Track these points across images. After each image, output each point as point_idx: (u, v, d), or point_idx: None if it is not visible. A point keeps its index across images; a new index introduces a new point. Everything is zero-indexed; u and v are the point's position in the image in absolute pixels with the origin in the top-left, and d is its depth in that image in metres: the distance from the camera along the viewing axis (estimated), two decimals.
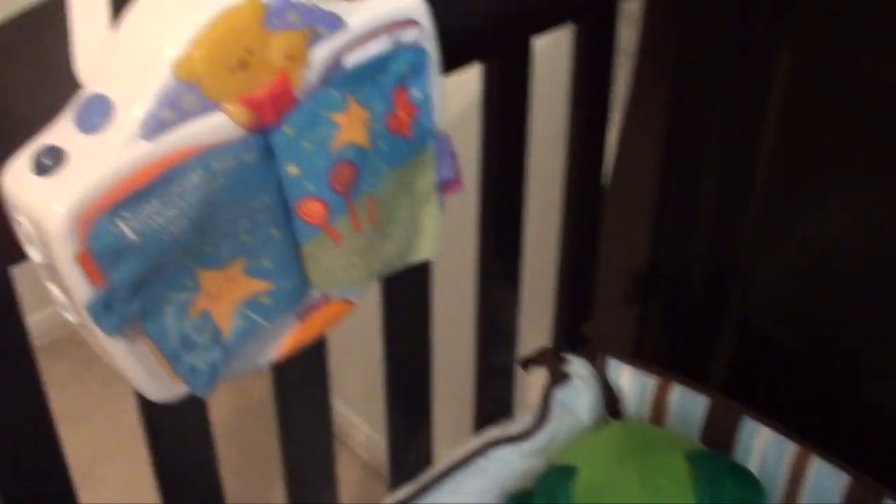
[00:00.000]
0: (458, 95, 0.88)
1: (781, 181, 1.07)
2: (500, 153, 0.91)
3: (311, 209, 0.66)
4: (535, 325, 1.18)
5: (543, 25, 0.87)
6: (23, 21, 0.62)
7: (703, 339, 1.18)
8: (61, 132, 0.57)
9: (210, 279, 0.64)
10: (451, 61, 0.77)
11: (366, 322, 0.95)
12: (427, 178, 0.72)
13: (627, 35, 1.04)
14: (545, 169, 1.05)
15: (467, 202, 0.90)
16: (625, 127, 1.11)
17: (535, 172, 0.97)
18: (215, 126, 0.59)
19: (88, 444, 2.07)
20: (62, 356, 1.49)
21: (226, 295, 0.65)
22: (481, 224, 0.95)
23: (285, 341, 0.73)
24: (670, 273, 1.15)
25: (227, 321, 0.66)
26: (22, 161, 0.57)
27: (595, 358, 1.10)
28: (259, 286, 0.67)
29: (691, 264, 1.15)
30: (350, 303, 0.75)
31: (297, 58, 0.61)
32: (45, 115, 0.59)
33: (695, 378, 1.06)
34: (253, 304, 0.67)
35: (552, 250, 1.07)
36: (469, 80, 0.87)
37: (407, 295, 0.90)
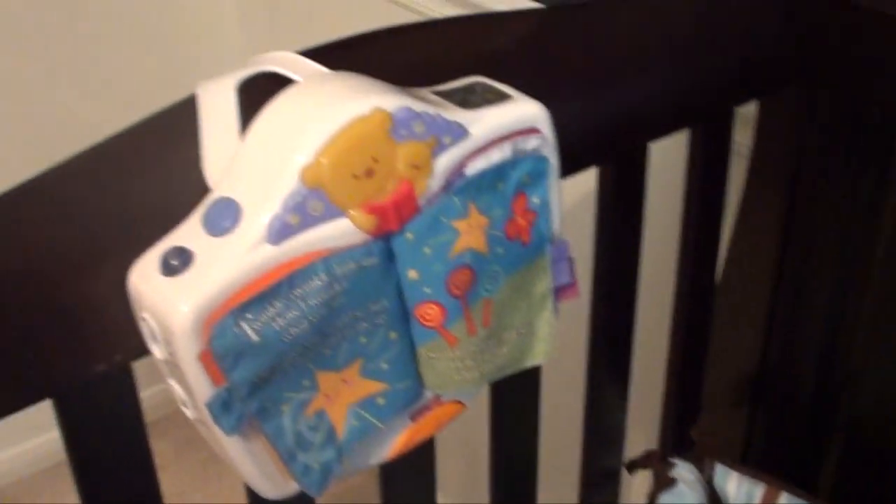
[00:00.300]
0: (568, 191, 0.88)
1: (894, 283, 1.05)
2: (613, 254, 0.91)
3: (428, 313, 0.66)
4: (641, 427, 1.16)
5: (661, 131, 0.87)
6: (154, 124, 0.64)
7: (811, 443, 1.15)
8: (189, 233, 0.59)
9: (327, 380, 0.64)
10: (569, 166, 0.78)
11: (469, 417, 0.95)
12: (543, 283, 0.72)
13: (742, 136, 1.03)
14: (656, 269, 1.05)
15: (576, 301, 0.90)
16: (737, 229, 1.10)
17: (646, 273, 0.97)
18: (339, 231, 0.60)
19: None
20: (164, 435, 1.50)
21: (342, 396, 0.66)
22: (592, 324, 0.95)
23: (397, 441, 0.73)
24: (780, 376, 1.13)
25: (342, 421, 0.67)
26: (150, 260, 0.58)
27: (702, 462, 1.08)
28: (375, 387, 0.67)
29: (801, 367, 1.13)
30: (461, 404, 0.75)
31: (422, 167, 0.62)
32: (173, 216, 0.60)
33: (802, 483, 1.03)
34: (368, 404, 0.67)
35: (661, 351, 1.06)
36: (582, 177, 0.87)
37: (516, 396, 0.90)
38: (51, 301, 0.60)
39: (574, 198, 1.11)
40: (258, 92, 0.64)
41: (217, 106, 0.65)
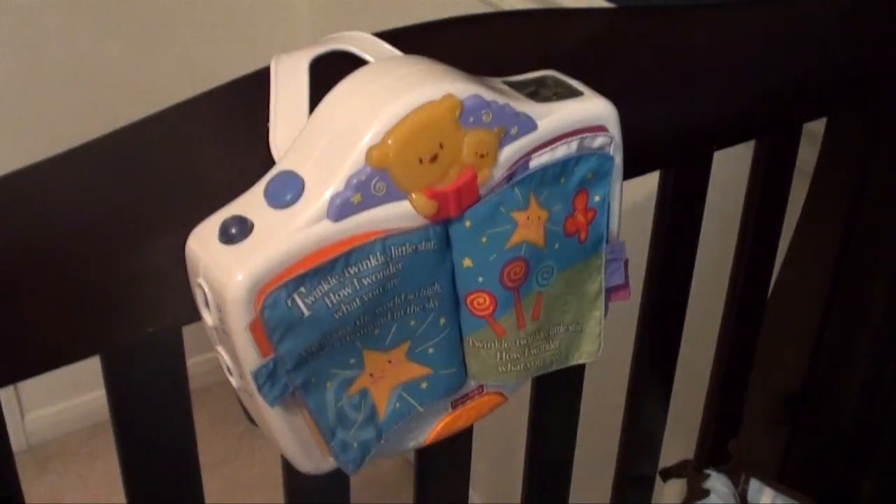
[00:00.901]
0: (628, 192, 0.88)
1: None
2: (667, 260, 0.90)
3: (479, 302, 0.66)
4: (679, 436, 1.15)
5: (727, 140, 0.87)
6: (226, 93, 0.64)
7: (849, 468, 1.14)
8: (250, 204, 0.59)
9: (374, 360, 0.65)
10: (633, 167, 0.77)
11: (507, 414, 0.95)
12: (596, 283, 0.72)
13: (807, 153, 1.02)
14: (709, 279, 1.04)
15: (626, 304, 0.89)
16: (793, 246, 1.09)
17: (698, 281, 0.96)
18: (399, 213, 0.60)
19: (223, 492, 2.10)
20: (202, 406, 1.53)
21: (387, 376, 0.66)
22: (640, 329, 0.94)
23: (436, 427, 0.73)
24: (823, 398, 1.12)
25: (384, 402, 0.67)
26: (209, 227, 0.59)
27: (737, 476, 1.07)
28: (420, 371, 0.67)
29: (846, 391, 1.12)
30: (503, 395, 0.75)
31: (487, 156, 0.62)
32: (237, 185, 0.61)
33: None
34: (411, 387, 0.68)
35: (706, 362, 1.05)
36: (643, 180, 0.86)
37: (558, 394, 0.89)
38: (110, 259, 0.61)
39: (634, 199, 1.11)
40: (331, 69, 0.64)
41: (289, 80, 0.65)
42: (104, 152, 0.61)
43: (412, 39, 0.72)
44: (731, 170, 0.98)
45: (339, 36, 0.69)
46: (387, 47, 0.67)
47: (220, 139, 0.65)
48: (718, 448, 1.09)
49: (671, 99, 0.83)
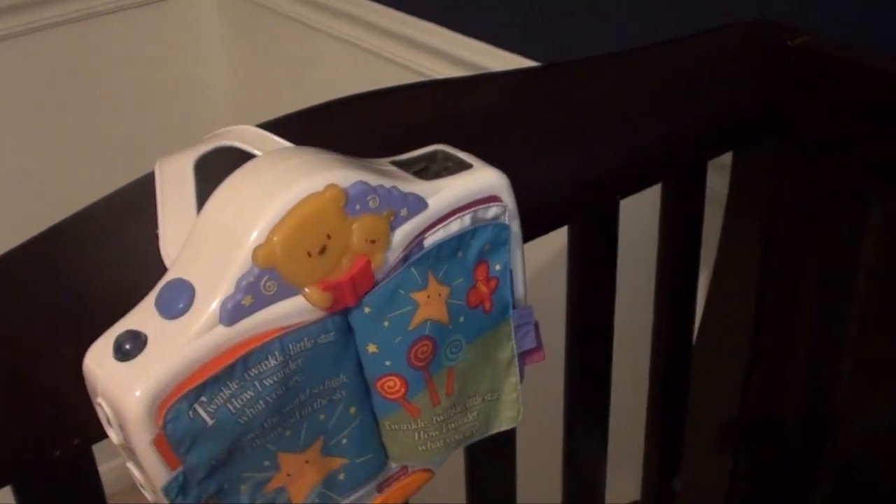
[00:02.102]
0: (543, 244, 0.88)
1: (876, 329, 1.04)
2: (586, 311, 0.90)
3: (390, 385, 0.66)
4: (623, 479, 1.15)
5: (633, 187, 0.87)
6: (113, 202, 0.64)
7: (796, 489, 1.15)
8: (142, 316, 0.58)
9: (289, 461, 0.64)
10: (540, 226, 0.77)
11: (444, 476, 0.94)
12: (507, 349, 0.71)
13: (718, 184, 1.03)
14: (634, 320, 1.04)
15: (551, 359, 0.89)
16: (715, 277, 1.10)
17: (623, 324, 0.96)
18: (294, 309, 0.59)
19: None
20: None
21: (305, 475, 0.65)
22: (568, 379, 0.94)
23: None
24: (762, 423, 1.12)
25: (303, 498, 0.66)
26: (104, 344, 0.58)
27: None
28: (336, 463, 0.67)
29: (784, 414, 1.12)
30: (430, 471, 0.74)
31: (378, 241, 0.61)
32: (131, 296, 0.60)
33: None
34: (330, 481, 0.67)
35: (642, 403, 1.05)
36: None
37: (491, 459, 0.89)
38: (8, 386, 0.60)
39: (549, 252, 1.11)
40: (217, 168, 0.63)
41: (174, 183, 0.65)
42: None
43: (300, 126, 0.72)
44: (640, 213, 0.98)
45: (223, 131, 0.69)
46: (272, 138, 0.66)
47: (112, 250, 0.64)
48: (664, 487, 1.09)
49: (571, 154, 0.83)
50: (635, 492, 1.11)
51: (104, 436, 0.61)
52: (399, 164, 0.67)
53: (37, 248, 0.62)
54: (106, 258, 0.63)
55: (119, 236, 0.64)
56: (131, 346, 0.57)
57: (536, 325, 0.73)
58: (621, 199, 0.87)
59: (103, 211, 0.64)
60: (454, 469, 0.84)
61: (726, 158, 1.01)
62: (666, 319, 0.99)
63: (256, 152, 0.64)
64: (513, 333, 0.71)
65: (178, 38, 1.95)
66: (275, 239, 0.57)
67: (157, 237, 0.62)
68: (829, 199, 0.99)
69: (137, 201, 0.64)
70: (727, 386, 1.11)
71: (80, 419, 0.61)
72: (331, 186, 0.59)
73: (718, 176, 1.02)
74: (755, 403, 1.11)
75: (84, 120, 1.90)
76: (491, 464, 0.89)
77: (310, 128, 0.73)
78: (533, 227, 0.73)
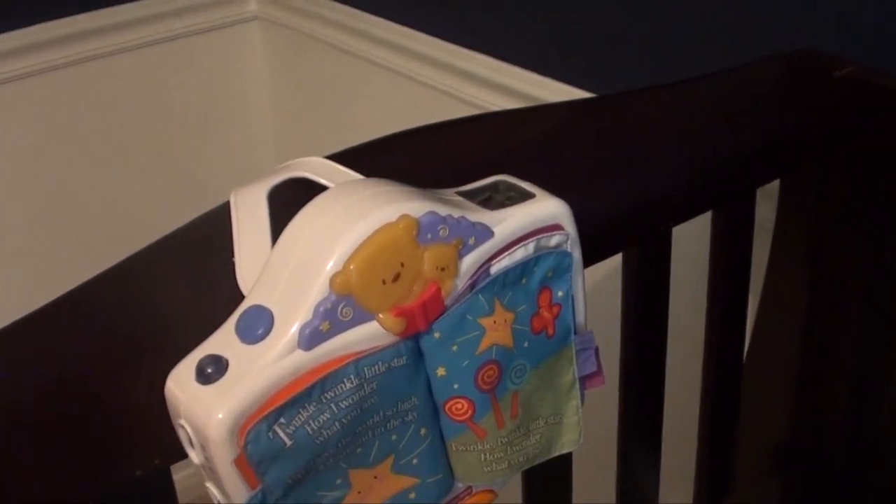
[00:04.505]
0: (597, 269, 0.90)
1: None
2: (640, 339, 0.92)
3: (458, 407, 0.68)
4: (674, 500, 1.16)
5: (683, 215, 0.89)
6: (189, 232, 0.66)
7: None
8: (223, 341, 0.61)
9: (360, 478, 0.66)
10: (595, 254, 0.79)
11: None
12: (569, 374, 0.73)
13: (767, 210, 1.05)
14: (688, 344, 1.06)
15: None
16: (763, 302, 1.11)
17: (674, 349, 0.98)
18: (369, 334, 0.62)
19: None
20: None
21: (375, 492, 0.67)
22: (622, 404, 0.96)
23: None
24: (810, 445, 1.14)
25: None
26: (186, 368, 0.60)
27: None
28: (407, 482, 0.69)
29: (833, 437, 1.13)
30: (492, 492, 0.76)
31: (448, 268, 0.63)
32: (209, 322, 0.62)
33: None
34: (400, 499, 0.69)
35: (693, 427, 1.07)
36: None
37: (548, 482, 0.91)
38: (91, 409, 0.62)
39: (603, 276, 1.13)
40: (290, 198, 0.66)
41: (250, 212, 0.67)
42: (74, 304, 0.63)
43: (369, 157, 0.75)
44: (692, 240, 1.00)
45: (294, 163, 0.71)
46: (343, 170, 0.69)
47: (189, 278, 0.67)
48: None
49: (626, 182, 0.85)
50: None
51: (183, 456, 0.63)
52: (464, 195, 0.69)
53: (117, 278, 0.65)
54: (185, 284, 0.66)
55: (196, 265, 0.67)
56: (213, 370, 0.59)
57: (597, 350, 0.75)
58: (673, 226, 0.89)
59: (180, 240, 0.66)
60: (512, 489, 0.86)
61: (774, 186, 1.03)
62: (717, 342, 1.01)
63: (328, 183, 0.67)
64: (574, 358, 0.73)
65: (225, 65, 1.99)
66: (351, 267, 0.60)
67: (232, 265, 0.65)
68: (874, 225, 1.01)
69: (214, 229, 0.67)
70: (777, 409, 1.13)
71: (160, 440, 0.63)
72: (404, 217, 0.61)
73: (766, 203, 1.04)
74: (804, 426, 1.12)
75: (133, 147, 1.94)
76: (547, 484, 0.91)
77: (376, 159, 0.75)
78: (588, 255, 0.74)
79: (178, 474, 0.69)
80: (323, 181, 0.67)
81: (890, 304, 1.04)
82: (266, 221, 0.66)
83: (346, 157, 0.71)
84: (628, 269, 0.89)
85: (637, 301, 0.90)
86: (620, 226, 0.85)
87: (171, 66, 1.92)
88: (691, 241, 1.03)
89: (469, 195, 0.69)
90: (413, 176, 0.68)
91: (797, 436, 1.13)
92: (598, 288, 1.22)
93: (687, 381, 1.09)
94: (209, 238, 0.68)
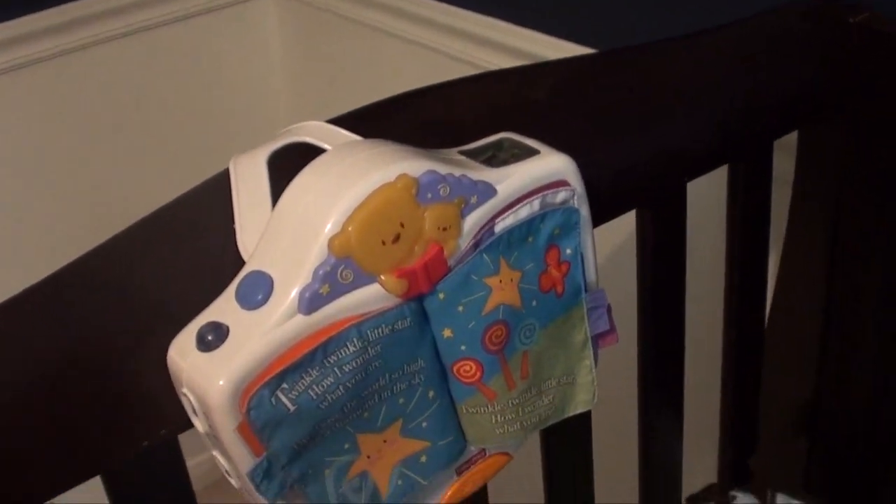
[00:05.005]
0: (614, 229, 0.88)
1: None
2: (657, 296, 0.91)
3: (466, 369, 0.67)
4: (700, 460, 1.15)
5: (698, 169, 0.87)
6: (188, 200, 0.65)
7: (871, 471, 1.14)
8: (223, 308, 0.60)
9: (369, 442, 0.65)
10: (608, 210, 0.78)
11: (522, 462, 0.95)
12: (580, 333, 0.72)
13: (785, 163, 1.03)
14: (703, 306, 1.04)
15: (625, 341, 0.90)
16: (784, 260, 1.09)
17: (693, 310, 0.97)
18: (370, 296, 0.61)
19: None
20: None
21: (384, 456, 0.67)
22: (641, 363, 0.95)
23: (444, 496, 0.73)
24: (835, 407, 1.12)
25: (386, 481, 0.67)
26: (187, 336, 0.60)
27: (763, 493, 1.07)
28: (417, 446, 0.68)
29: (855, 396, 1.12)
30: (507, 455, 0.75)
31: (450, 228, 0.62)
32: (210, 289, 0.61)
33: None
34: (411, 462, 0.68)
35: (716, 384, 1.06)
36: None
37: (567, 442, 0.90)
38: (96, 382, 0.62)
39: (619, 236, 1.12)
40: (289, 163, 0.65)
41: (249, 179, 0.66)
42: (74, 277, 0.62)
43: (370, 119, 0.74)
44: (707, 197, 0.98)
45: (294, 128, 0.70)
46: (342, 133, 0.68)
47: (190, 246, 0.66)
48: (741, 467, 1.09)
49: (635, 137, 0.84)
50: (712, 474, 1.11)
51: (189, 426, 0.63)
52: (467, 154, 0.68)
53: (117, 249, 0.64)
54: (185, 253, 0.65)
55: (197, 231, 0.66)
56: (213, 337, 0.59)
57: (609, 308, 0.73)
58: (688, 181, 0.87)
59: (179, 209, 0.65)
60: (531, 451, 0.85)
61: (792, 139, 1.01)
62: (737, 301, 0.99)
63: (327, 146, 0.66)
64: (586, 316, 0.72)
65: (239, 42, 1.98)
66: (350, 229, 0.59)
67: (233, 231, 0.64)
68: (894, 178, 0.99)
69: (213, 197, 0.66)
70: (800, 369, 1.11)
71: (165, 410, 0.63)
72: (402, 176, 0.60)
73: (785, 157, 1.02)
74: (828, 387, 1.11)
75: (151, 125, 1.93)
76: (566, 445, 0.90)
77: (378, 122, 0.74)
78: (601, 212, 0.73)
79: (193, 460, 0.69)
80: (322, 144, 0.66)
81: None
82: (266, 187, 0.65)
83: (347, 121, 0.70)
84: (642, 227, 0.87)
85: (653, 259, 0.89)
86: (632, 181, 0.83)
87: (185, 45, 1.91)
88: (709, 199, 1.02)
89: (472, 154, 0.68)
90: (415, 137, 0.67)
91: (822, 394, 1.11)
92: (614, 246, 1.21)
93: (707, 341, 1.07)
94: (209, 205, 0.67)
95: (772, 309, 1.09)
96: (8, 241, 1.82)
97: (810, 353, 1.08)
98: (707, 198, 0.99)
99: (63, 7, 1.74)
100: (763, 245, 0.98)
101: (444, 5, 1.56)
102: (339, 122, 0.70)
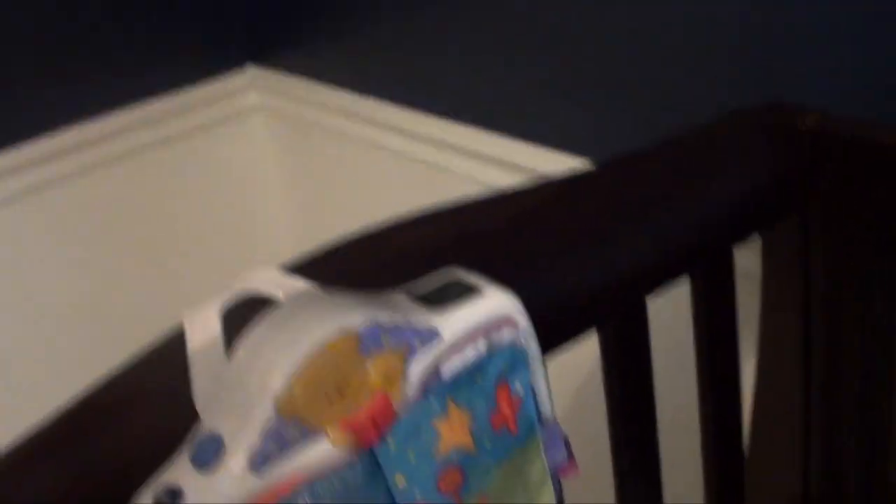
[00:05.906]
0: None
1: None
2: (628, 417, 0.91)
3: None
4: None
5: (657, 284, 0.88)
6: (145, 359, 0.67)
7: None
8: (178, 470, 0.61)
9: None
10: (565, 332, 0.79)
11: None
12: (538, 467, 0.73)
13: (753, 262, 1.05)
14: (681, 414, 1.05)
15: (600, 461, 0.90)
16: (760, 355, 1.10)
17: (670, 418, 0.97)
18: (320, 452, 0.62)
19: None
20: None
21: None
22: (618, 484, 0.95)
23: None
24: (824, 500, 1.12)
25: None
26: (143, 500, 0.61)
27: None
28: None
29: (845, 489, 1.12)
30: None
31: (395, 376, 0.64)
32: (167, 449, 0.63)
33: None
34: None
35: (694, 489, 1.06)
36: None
37: None
38: None
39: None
40: (243, 315, 0.67)
41: (202, 334, 0.68)
42: (42, 445, 0.64)
43: (322, 264, 0.76)
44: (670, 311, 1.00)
45: (246, 277, 0.72)
46: (288, 281, 0.69)
47: (148, 407, 0.67)
48: None
49: (591, 255, 0.85)
50: None
51: None
52: (413, 293, 0.69)
53: (73, 415, 0.66)
54: (142, 417, 0.66)
55: (154, 393, 0.67)
56: (169, 502, 0.60)
57: (566, 440, 0.74)
58: (648, 295, 0.89)
59: (136, 369, 0.67)
60: None
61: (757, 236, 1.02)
62: (712, 407, 1.00)
63: (279, 296, 0.67)
64: (542, 450, 0.73)
65: (229, 161, 2.01)
66: (294, 388, 0.60)
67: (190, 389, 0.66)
68: (860, 270, 1.00)
69: (169, 355, 0.67)
70: (787, 464, 1.11)
71: None
72: (343, 331, 0.62)
73: (753, 254, 1.03)
74: (816, 480, 1.11)
75: (142, 253, 1.96)
76: None
77: (330, 265, 0.75)
78: (561, 333, 0.74)
79: None
80: (273, 295, 0.68)
81: (885, 349, 1.02)
82: (219, 343, 0.66)
83: (302, 266, 0.72)
84: (606, 348, 0.88)
85: (619, 377, 0.89)
86: (589, 303, 0.84)
87: (174, 166, 1.95)
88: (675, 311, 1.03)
89: (418, 293, 0.69)
90: (370, 277, 0.69)
91: (810, 491, 1.12)
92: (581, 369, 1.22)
93: (684, 447, 1.08)
94: (166, 363, 0.68)
95: (754, 404, 1.09)
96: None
97: (796, 448, 1.08)
98: (672, 311, 1.00)
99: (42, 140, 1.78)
100: (732, 347, 0.98)
101: (434, 118, 1.60)
102: (295, 267, 0.72)
